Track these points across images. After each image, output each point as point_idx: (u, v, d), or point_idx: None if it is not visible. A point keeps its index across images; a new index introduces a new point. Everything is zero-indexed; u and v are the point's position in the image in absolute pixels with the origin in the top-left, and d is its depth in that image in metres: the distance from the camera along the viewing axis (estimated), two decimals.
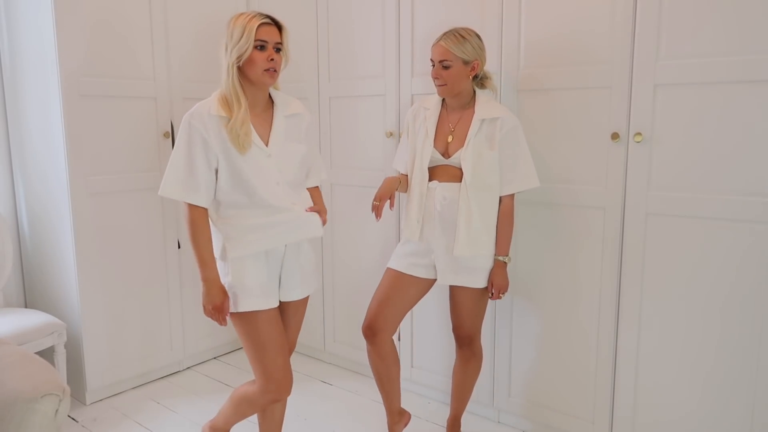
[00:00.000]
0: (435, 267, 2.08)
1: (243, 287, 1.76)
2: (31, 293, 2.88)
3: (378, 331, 2.11)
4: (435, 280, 2.11)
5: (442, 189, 2.03)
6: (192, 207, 1.75)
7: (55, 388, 1.53)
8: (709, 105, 1.88)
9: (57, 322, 2.53)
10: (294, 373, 2.89)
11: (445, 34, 1.99)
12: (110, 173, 2.65)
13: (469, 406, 2.59)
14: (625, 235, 2.08)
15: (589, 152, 2.13)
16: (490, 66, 2.31)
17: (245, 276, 1.76)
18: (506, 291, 2.08)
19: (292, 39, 2.24)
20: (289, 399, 2.69)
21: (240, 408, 1.91)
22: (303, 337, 3.22)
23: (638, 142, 2.00)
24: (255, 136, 1.75)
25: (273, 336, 1.79)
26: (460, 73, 1.98)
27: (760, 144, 1.80)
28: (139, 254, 2.79)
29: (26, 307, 2.91)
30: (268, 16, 1.73)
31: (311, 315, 3.14)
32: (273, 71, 1.73)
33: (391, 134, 2.64)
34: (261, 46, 1.70)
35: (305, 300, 1.94)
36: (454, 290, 2.13)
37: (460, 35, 1.96)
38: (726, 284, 1.91)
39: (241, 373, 3.03)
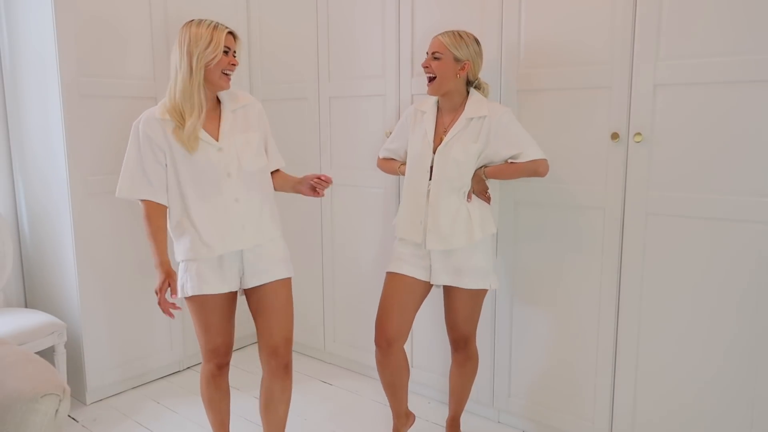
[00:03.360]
0: (431, 268, 2.09)
1: (194, 272, 1.90)
2: (31, 293, 2.88)
3: (393, 341, 2.08)
4: (426, 283, 2.11)
5: (432, 187, 2.06)
6: (146, 203, 1.89)
7: (55, 388, 1.53)
8: (709, 105, 1.88)
9: (57, 322, 2.53)
10: (294, 373, 2.89)
11: (446, 31, 2.04)
12: (110, 173, 2.65)
13: (469, 406, 2.59)
14: (625, 235, 2.08)
15: (589, 152, 2.13)
16: (490, 65, 2.32)
17: (199, 263, 1.90)
18: (483, 192, 2.08)
19: (292, 39, 2.26)
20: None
21: (202, 396, 2.07)
22: (303, 337, 3.22)
23: (638, 142, 2.00)
24: (203, 134, 1.86)
25: (215, 320, 1.95)
26: (449, 68, 1.99)
27: (760, 144, 1.80)
28: (139, 254, 2.79)
29: (26, 307, 2.91)
30: (226, 26, 1.87)
31: (311, 315, 3.15)
32: (228, 75, 1.88)
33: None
34: (225, 52, 1.84)
35: (282, 283, 1.98)
36: (448, 291, 2.13)
37: (458, 35, 2.01)
38: (726, 284, 1.91)
39: (240, 373, 3.03)
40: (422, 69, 2.07)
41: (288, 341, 1.99)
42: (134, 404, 2.70)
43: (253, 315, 2.01)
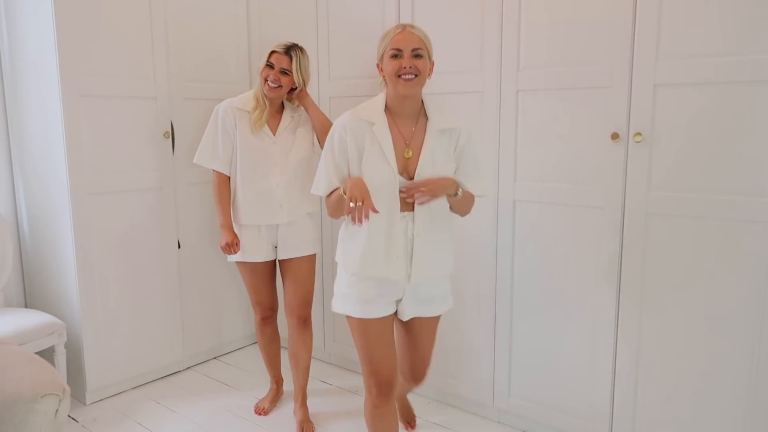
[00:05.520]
0: (401, 302, 1.86)
1: (240, 243, 2.40)
2: (31, 293, 2.88)
3: (393, 381, 1.89)
4: (393, 314, 1.89)
5: (417, 217, 1.76)
6: (216, 173, 2.40)
7: (55, 388, 1.53)
8: (709, 105, 1.88)
9: (57, 322, 2.52)
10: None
11: (406, 24, 1.77)
12: (110, 173, 2.65)
13: (469, 406, 2.59)
14: (625, 235, 2.08)
15: (589, 152, 2.13)
16: (490, 65, 2.32)
17: (241, 235, 2.41)
18: (425, 193, 1.67)
19: (292, 39, 2.27)
20: (289, 399, 2.70)
21: (256, 338, 2.66)
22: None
23: (638, 142, 2.00)
24: (266, 128, 2.37)
25: (256, 281, 2.48)
26: (428, 65, 1.75)
27: (760, 144, 1.80)
28: (139, 254, 2.79)
29: (26, 307, 2.90)
30: (286, 47, 2.33)
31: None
32: (270, 86, 2.31)
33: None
34: (270, 66, 2.32)
35: (306, 259, 2.45)
36: (411, 325, 1.94)
37: (421, 29, 1.77)
38: (726, 284, 1.91)
39: (241, 373, 3.03)
40: (393, 69, 1.72)
41: (304, 303, 2.46)
42: (134, 404, 2.70)
43: (282, 279, 2.51)
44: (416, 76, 1.71)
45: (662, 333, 2.04)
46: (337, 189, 1.77)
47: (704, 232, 1.92)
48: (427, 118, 1.79)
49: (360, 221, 1.65)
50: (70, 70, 2.47)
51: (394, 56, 1.72)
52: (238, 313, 3.31)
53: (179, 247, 2.95)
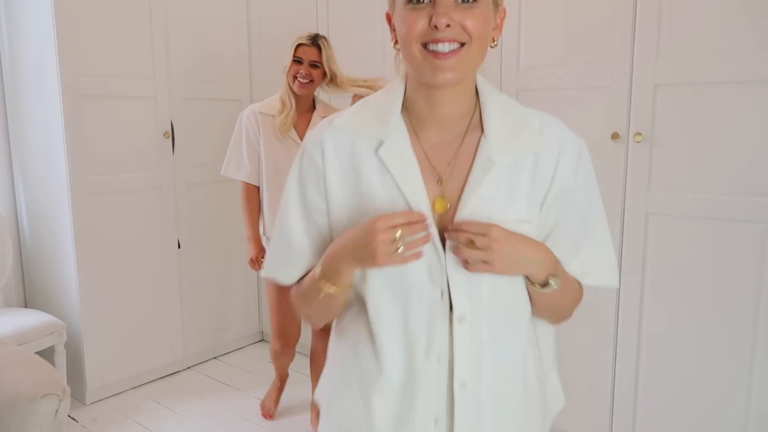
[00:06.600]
0: None
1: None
2: (31, 293, 2.88)
3: None
4: None
5: (477, 324, 0.91)
6: (244, 183, 2.29)
7: (55, 388, 1.53)
8: (709, 105, 1.88)
9: (57, 322, 2.52)
10: (294, 374, 2.91)
11: None
12: (110, 173, 2.65)
13: None
14: (625, 235, 2.08)
15: (589, 152, 2.12)
16: (489, 66, 2.31)
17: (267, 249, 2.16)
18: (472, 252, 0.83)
19: (293, 38, 2.27)
20: (289, 399, 2.70)
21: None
22: (303, 338, 3.21)
23: (638, 142, 2.00)
24: (292, 132, 2.22)
25: (282, 306, 2.24)
26: (489, 21, 0.85)
27: (760, 144, 1.80)
28: (139, 254, 2.79)
29: (26, 307, 2.90)
30: (312, 38, 2.17)
31: None
32: (301, 82, 2.16)
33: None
34: (298, 61, 2.15)
35: None
36: None
37: None
38: (726, 284, 1.91)
39: (240, 373, 3.03)
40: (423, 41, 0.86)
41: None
42: (134, 404, 2.70)
43: None
44: (462, 45, 0.82)
45: (662, 333, 2.04)
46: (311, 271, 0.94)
47: (704, 232, 1.92)
48: (482, 131, 0.89)
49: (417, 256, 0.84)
50: (70, 70, 2.47)
51: (416, 1, 0.82)
52: (238, 313, 3.31)
53: (179, 247, 2.95)
